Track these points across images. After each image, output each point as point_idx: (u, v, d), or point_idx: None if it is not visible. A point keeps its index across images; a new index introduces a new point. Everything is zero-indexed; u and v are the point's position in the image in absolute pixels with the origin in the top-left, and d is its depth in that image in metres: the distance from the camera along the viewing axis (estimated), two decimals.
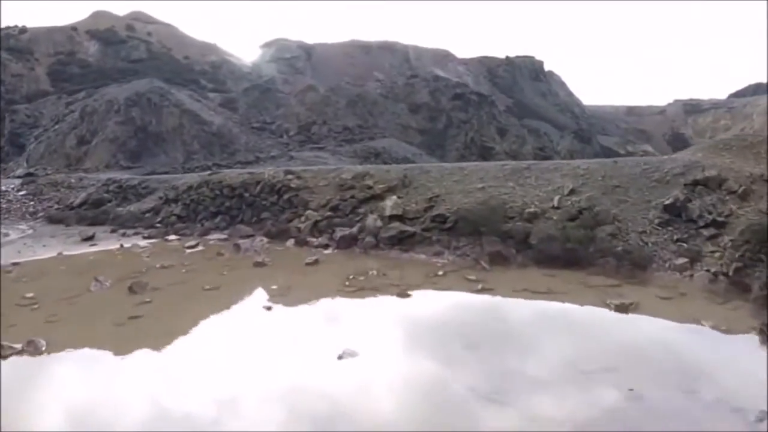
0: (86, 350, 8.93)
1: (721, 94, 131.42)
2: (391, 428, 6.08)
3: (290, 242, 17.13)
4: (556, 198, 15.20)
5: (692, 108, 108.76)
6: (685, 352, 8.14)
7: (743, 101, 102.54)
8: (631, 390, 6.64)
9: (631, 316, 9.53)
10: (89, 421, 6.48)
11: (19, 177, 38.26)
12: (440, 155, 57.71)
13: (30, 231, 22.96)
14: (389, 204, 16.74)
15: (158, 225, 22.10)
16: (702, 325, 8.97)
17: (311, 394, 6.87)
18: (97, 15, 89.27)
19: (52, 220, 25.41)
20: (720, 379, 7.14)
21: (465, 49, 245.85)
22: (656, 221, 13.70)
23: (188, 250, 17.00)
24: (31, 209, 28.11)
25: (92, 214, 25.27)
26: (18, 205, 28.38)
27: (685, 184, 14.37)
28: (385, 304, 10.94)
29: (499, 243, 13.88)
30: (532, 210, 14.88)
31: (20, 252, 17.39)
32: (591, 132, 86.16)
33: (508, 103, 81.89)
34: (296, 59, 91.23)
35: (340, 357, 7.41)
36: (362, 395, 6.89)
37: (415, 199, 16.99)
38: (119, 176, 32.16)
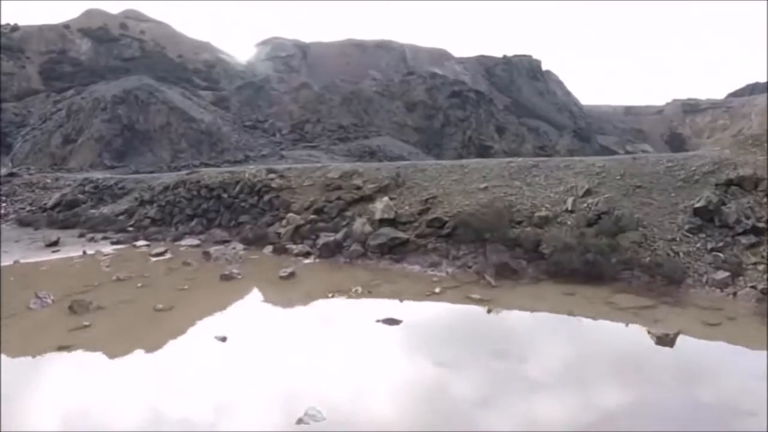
0: None
1: (719, 93, 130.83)
2: None
3: (268, 249, 15.24)
4: (570, 200, 13.30)
5: (690, 108, 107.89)
6: None
7: (741, 101, 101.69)
8: None
9: (678, 352, 7.56)
10: None
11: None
12: (437, 154, 56.08)
13: None
14: (380, 206, 14.82)
15: (130, 229, 20.33)
16: None
17: None
18: (90, 13, 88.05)
19: (21, 223, 23.70)
20: None
21: (462, 48, 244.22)
22: (686, 227, 11.82)
23: (154, 258, 15.14)
24: (2, 211, 26.31)
25: (63, 216, 23.71)
26: None
27: (716, 185, 12.47)
28: (367, 335, 8.79)
29: (506, 252, 11.96)
30: (542, 214, 13.00)
31: None
32: (589, 131, 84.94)
33: (506, 102, 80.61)
34: (291, 58, 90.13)
35: (299, 421, 5.42)
36: None
37: (409, 200, 15.11)
38: (96, 176, 30.25)
